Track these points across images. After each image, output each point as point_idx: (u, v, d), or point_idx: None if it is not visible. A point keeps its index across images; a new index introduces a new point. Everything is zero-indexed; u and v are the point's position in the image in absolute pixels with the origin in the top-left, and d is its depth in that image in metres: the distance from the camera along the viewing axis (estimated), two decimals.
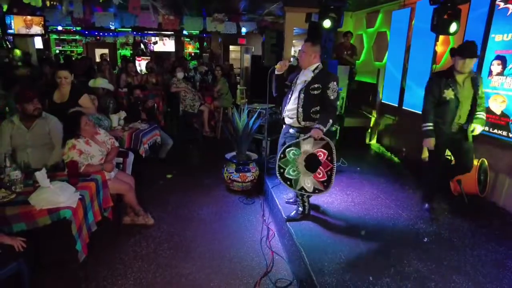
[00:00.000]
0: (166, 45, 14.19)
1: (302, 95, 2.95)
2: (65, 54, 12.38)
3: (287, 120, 3.12)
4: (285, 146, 2.92)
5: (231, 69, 9.13)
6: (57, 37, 13.79)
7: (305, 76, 2.98)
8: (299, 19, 6.38)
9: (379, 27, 6.36)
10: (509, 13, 3.19)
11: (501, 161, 3.60)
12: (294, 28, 7.29)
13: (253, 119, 4.50)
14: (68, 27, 12.07)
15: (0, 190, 2.44)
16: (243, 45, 12.41)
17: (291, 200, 3.50)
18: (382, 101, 5.68)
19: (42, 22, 7.73)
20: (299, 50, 2.98)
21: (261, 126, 4.98)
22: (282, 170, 2.89)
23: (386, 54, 5.72)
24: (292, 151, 2.88)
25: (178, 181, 4.70)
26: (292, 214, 3.18)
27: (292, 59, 2.97)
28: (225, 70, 7.95)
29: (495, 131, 3.36)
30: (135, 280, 2.68)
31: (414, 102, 4.69)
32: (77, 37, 13.95)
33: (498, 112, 3.32)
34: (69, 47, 14.07)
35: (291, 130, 3.09)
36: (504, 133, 3.26)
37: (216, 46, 12.79)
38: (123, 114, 4.62)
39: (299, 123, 3.00)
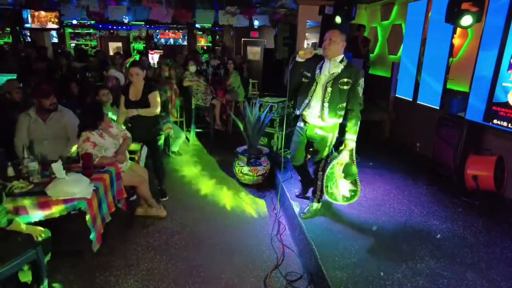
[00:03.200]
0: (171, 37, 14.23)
1: (329, 89, 2.72)
2: (78, 48, 12.56)
3: (309, 119, 2.90)
4: (329, 166, 2.88)
5: (243, 63, 9.09)
6: (72, 31, 13.99)
7: (334, 68, 2.72)
8: (312, 11, 6.31)
9: (394, 20, 6.23)
10: None
11: None
12: (307, 20, 7.21)
13: (264, 112, 4.49)
14: (83, 21, 12.21)
15: (19, 181, 2.50)
16: (255, 38, 12.34)
17: (300, 196, 3.51)
18: (397, 95, 5.59)
19: (58, 16, 7.86)
20: (326, 37, 2.73)
21: (272, 119, 4.98)
22: (327, 188, 2.94)
23: (401, 47, 5.61)
24: (330, 167, 2.88)
25: (190, 174, 4.74)
26: (306, 210, 3.15)
27: (318, 48, 2.74)
28: (237, 63, 7.93)
29: None
30: (147, 271, 2.73)
31: (429, 96, 4.60)
32: (91, 30, 14.12)
33: None
34: (83, 40, 14.26)
35: (317, 131, 2.89)
36: None
37: (229, 39, 12.76)
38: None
39: (324, 120, 2.79)
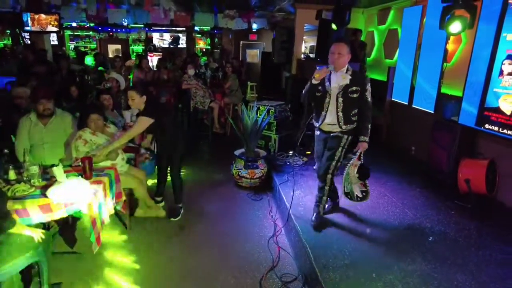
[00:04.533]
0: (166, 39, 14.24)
1: (340, 99, 2.87)
2: (78, 50, 12.62)
3: (326, 127, 3.03)
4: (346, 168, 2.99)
5: (241, 66, 9.17)
6: (71, 33, 14.04)
7: (342, 79, 2.85)
8: (310, 15, 6.39)
9: (391, 24, 6.32)
10: None
11: (510, 161, 3.58)
12: (305, 24, 7.30)
13: (262, 116, 4.56)
14: (82, 23, 12.29)
15: (20, 184, 2.56)
16: (253, 41, 12.42)
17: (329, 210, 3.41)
18: (392, 99, 5.66)
19: (58, 19, 7.93)
20: (334, 51, 2.83)
21: (270, 122, 5.05)
22: (344, 188, 3.07)
23: (397, 52, 5.69)
24: (347, 168, 3.00)
25: (188, 177, 4.80)
26: (313, 218, 3.12)
27: (330, 66, 2.82)
28: (235, 67, 8.01)
29: (505, 131, 3.34)
30: (146, 272, 2.78)
31: (424, 100, 4.68)
32: (90, 33, 14.16)
33: (508, 112, 3.30)
34: (83, 42, 14.30)
35: (333, 134, 3.00)
36: None
37: (227, 42, 12.83)
38: (135, 110, 4.73)
39: (341, 127, 2.94)
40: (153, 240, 3.23)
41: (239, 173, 4.34)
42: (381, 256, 2.70)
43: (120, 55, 10.70)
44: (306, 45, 10.14)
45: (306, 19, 6.97)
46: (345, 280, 2.39)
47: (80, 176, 2.78)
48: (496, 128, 3.45)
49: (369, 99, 2.91)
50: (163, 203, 3.84)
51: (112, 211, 3.04)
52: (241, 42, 12.51)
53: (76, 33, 14.10)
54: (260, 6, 8.01)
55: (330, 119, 2.95)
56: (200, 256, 3.02)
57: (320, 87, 2.92)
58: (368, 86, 2.90)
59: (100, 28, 13.48)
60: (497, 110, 3.43)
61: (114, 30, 13.66)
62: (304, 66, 6.93)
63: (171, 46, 13.85)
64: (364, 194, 3.11)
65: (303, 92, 3.03)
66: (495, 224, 3.22)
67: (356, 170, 2.96)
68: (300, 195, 3.73)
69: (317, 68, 4.65)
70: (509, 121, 3.29)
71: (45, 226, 2.57)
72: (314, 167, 4.39)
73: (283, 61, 7.58)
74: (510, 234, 3.04)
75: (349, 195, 3.11)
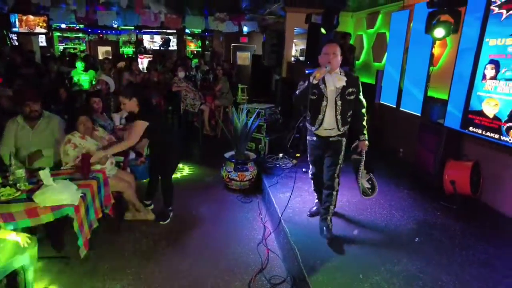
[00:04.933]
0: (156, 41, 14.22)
1: (339, 102, 2.82)
2: (69, 52, 12.49)
3: (324, 133, 2.94)
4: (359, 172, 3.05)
5: (232, 68, 9.20)
6: (60, 34, 13.90)
7: (338, 81, 2.78)
8: (300, 19, 6.45)
9: (379, 28, 6.41)
10: (503, 18, 3.24)
11: (493, 163, 3.66)
12: (295, 28, 7.36)
13: (252, 119, 4.58)
14: (72, 25, 12.17)
15: (6, 188, 2.53)
16: (244, 43, 12.47)
17: (315, 215, 3.35)
18: (381, 101, 5.74)
19: (46, 21, 7.85)
20: (328, 52, 2.75)
21: (260, 125, 5.07)
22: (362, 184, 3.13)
23: (385, 55, 5.78)
24: (361, 167, 3.05)
25: (177, 179, 4.79)
26: (325, 233, 2.94)
27: (327, 66, 2.70)
28: (226, 69, 8.03)
29: (488, 133, 3.42)
30: (134, 275, 2.78)
31: (411, 103, 4.76)
32: (80, 34, 14.04)
33: (491, 116, 3.38)
34: (72, 44, 14.17)
35: (331, 139, 2.94)
36: (496, 135, 3.33)
37: (218, 45, 12.86)
38: (124, 113, 4.71)
39: (339, 130, 2.90)
40: (141, 243, 3.22)
41: (229, 176, 4.35)
42: (368, 257, 2.74)
43: (110, 57, 10.64)
44: (297, 48, 10.21)
45: (296, 22, 7.02)
46: (332, 282, 2.42)
47: (68, 180, 2.76)
48: (479, 131, 3.53)
49: (363, 100, 2.95)
50: (152, 206, 3.83)
51: (100, 215, 3.02)
52: (232, 44, 12.56)
53: (65, 35, 13.97)
54: (251, 9, 8.05)
55: (328, 123, 2.87)
56: (189, 259, 3.02)
57: (314, 90, 2.81)
58: (361, 87, 2.93)
59: (89, 30, 13.37)
60: (481, 113, 3.51)
61: (104, 32, 13.57)
62: (294, 69, 6.99)
63: (162, 48, 13.82)
64: (372, 185, 3.17)
65: (297, 93, 2.89)
66: (479, 224, 3.29)
67: (363, 166, 3.05)
68: (289, 197, 3.75)
69: (306, 71, 4.69)
70: (492, 124, 3.37)
71: (31, 230, 2.54)
72: (304, 170, 4.45)
73: (273, 64, 7.62)
74: (493, 234, 3.12)
75: (364, 192, 3.16)
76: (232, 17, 8.52)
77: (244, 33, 10.42)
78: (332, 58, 2.73)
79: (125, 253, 3.06)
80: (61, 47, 13.71)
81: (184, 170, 5.13)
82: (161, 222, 3.58)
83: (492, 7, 3.35)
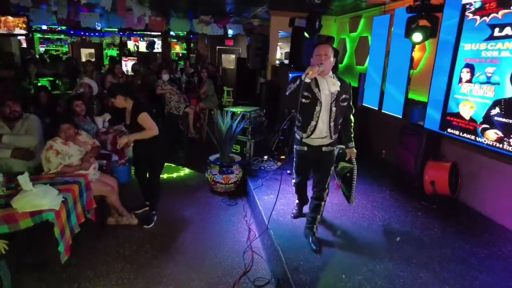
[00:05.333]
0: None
1: (334, 108, 2.65)
2: (51, 54, 12.26)
3: (316, 142, 2.77)
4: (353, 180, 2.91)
5: (217, 71, 9.21)
6: (41, 36, 13.62)
7: (332, 85, 2.62)
8: (284, 22, 6.51)
9: (361, 32, 6.52)
10: (477, 24, 3.36)
11: (470, 163, 3.78)
12: (280, 31, 7.42)
13: (236, 121, 4.60)
14: (53, 26, 11.95)
15: None
16: (229, 46, 12.50)
17: (297, 217, 3.38)
18: (363, 104, 5.85)
19: (26, 22, 7.68)
20: (320, 53, 2.60)
21: (245, 128, 5.09)
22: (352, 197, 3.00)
23: (368, 59, 5.89)
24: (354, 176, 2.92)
25: (162, 183, 4.75)
26: (315, 242, 2.87)
27: (320, 66, 2.53)
28: (211, 72, 8.02)
29: (465, 135, 3.53)
30: (117, 280, 2.74)
31: (393, 106, 4.86)
32: (62, 36, 13.80)
33: (467, 118, 3.50)
34: (54, 46, 13.92)
35: (324, 149, 2.79)
36: (472, 137, 3.44)
37: (203, 47, 12.84)
38: (107, 116, 4.67)
39: (331, 138, 2.76)
40: (125, 248, 3.19)
41: (214, 179, 4.35)
42: (351, 257, 2.79)
43: (93, 59, 10.50)
44: (281, 51, 10.30)
45: (281, 26, 7.08)
46: (315, 282, 2.45)
47: (49, 184, 2.71)
48: (457, 132, 3.64)
49: (352, 107, 2.87)
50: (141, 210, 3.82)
51: (83, 219, 2.98)
52: (217, 47, 12.56)
53: (46, 36, 13.71)
54: (235, 13, 8.07)
55: (321, 131, 2.70)
56: (173, 263, 3.00)
57: (307, 93, 2.63)
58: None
59: (72, 32, 13.16)
60: (458, 115, 3.63)
61: (87, 34, 13.39)
62: (279, 72, 7.04)
63: (147, 50, 13.73)
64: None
65: (287, 94, 2.66)
66: (456, 223, 3.39)
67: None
68: (273, 199, 3.75)
69: (290, 75, 4.75)
70: (468, 125, 3.49)
71: (9, 236, 2.48)
72: (288, 172, 4.49)
73: (257, 67, 7.67)
74: (470, 233, 3.22)
75: (351, 200, 3.03)
76: (217, 20, 8.52)
77: (229, 36, 10.45)
78: (324, 59, 2.57)
79: (108, 258, 3.02)
80: (42, 49, 13.45)
81: (169, 173, 5.10)
82: (145, 226, 3.55)
83: (466, 13, 3.47)
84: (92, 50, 13.12)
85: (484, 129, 3.31)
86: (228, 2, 6.72)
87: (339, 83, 2.65)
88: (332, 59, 2.62)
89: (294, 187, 3.32)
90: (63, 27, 11.96)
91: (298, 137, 2.85)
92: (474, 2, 3.39)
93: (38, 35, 13.40)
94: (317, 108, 2.66)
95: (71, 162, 3.17)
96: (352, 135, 2.91)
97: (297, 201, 3.46)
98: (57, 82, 6.81)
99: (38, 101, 4.72)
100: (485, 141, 3.31)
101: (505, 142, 3.10)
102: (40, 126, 3.46)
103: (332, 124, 2.69)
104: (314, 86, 2.64)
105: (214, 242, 3.35)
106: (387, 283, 2.47)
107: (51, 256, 2.56)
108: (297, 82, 2.57)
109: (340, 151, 3.00)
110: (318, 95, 2.64)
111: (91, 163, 3.30)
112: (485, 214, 3.58)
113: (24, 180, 2.52)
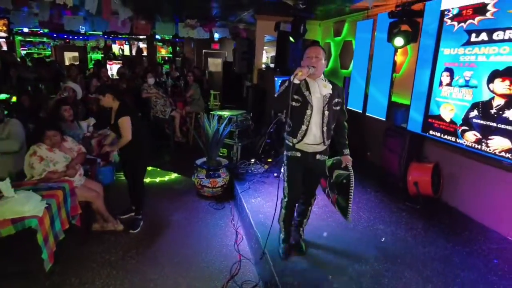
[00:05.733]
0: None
1: (326, 113, 2.52)
2: (33, 57, 12.00)
3: (311, 148, 2.60)
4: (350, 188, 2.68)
5: (203, 75, 9.20)
6: (23, 38, 13.34)
7: (324, 88, 2.52)
8: (270, 27, 6.56)
9: (346, 36, 6.63)
10: (455, 29, 3.48)
11: (452, 164, 3.89)
12: (265, 35, 7.47)
13: (223, 125, 4.61)
14: (36, 29, 11.72)
15: None
16: (216, 50, 12.52)
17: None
18: (348, 107, 5.94)
19: (6, 24, 7.51)
20: (311, 55, 2.49)
21: (232, 131, 5.10)
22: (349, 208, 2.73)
23: (352, 62, 5.99)
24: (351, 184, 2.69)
25: (147, 187, 4.71)
26: (303, 247, 2.86)
27: (310, 67, 2.43)
28: (197, 75, 8.01)
29: (446, 136, 3.64)
30: (103, 287, 2.70)
31: (377, 109, 4.96)
32: (44, 39, 13.54)
33: (448, 120, 3.61)
34: (36, 49, 13.64)
35: (318, 156, 2.64)
36: (453, 138, 3.54)
37: (189, 51, 12.82)
38: (92, 120, 4.61)
39: (325, 144, 2.62)
40: (110, 254, 3.14)
41: (201, 183, 4.34)
42: (337, 258, 2.83)
43: (77, 63, 10.34)
44: (268, 55, 10.36)
45: (266, 30, 7.13)
46: (303, 284, 2.48)
47: (31, 190, 2.66)
48: (438, 134, 3.74)
49: (345, 111, 2.74)
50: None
51: (67, 226, 2.93)
52: (203, 51, 12.56)
53: (28, 39, 13.42)
54: (221, 17, 8.09)
55: (314, 136, 2.56)
56: (160, 268, 2.98)
57: (298, 96, 2.52)
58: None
59: (55, 35, 12.93)
60: (439, 117, 3.73)
61: (70, 37, 13.17)
62: (265, 76, 7.09)
63: (133, 54, 13.64)
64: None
65: (276, 96, 2.54)
66: (439, 223, 3.48)
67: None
68: (261, 202, 3.80)
69: (276, 79, 4.79)
70: (449, 127, 3.59)
71: None
72: (275, 175, 4.52)
73: (244, 71, 7.70)
74: (452, 232, 3.31)
75: (347, 215, 2.78)
76: (203, 24, 8.52)
77: (216, 39, 10.46)
78: (315, 62, 2.47)
79: (93, 265, 2.97)
80: (23, 52, 13.16)
81: (155, 178, 5.06)
82: (131, 231, 3.52)
83: (445, 19, 3.59)
84: (76, 54, 12.92)
85: (464, 131, 3.41)
86: (214, 6, 6.73)
87: (331, 86, 2.55)
88: (323, 61, 2.52)
89: (282, 211, 2.82)
90: (46, 30, 11.74)
91: (290, 143, 2.65)
92: (452, 8, 3.51)
93: (20, 37, 13.11)
94: (308, 112, 2.52)
95: (56, 169, 3.12)
96: (347, 142, 2.77)
97: (283, 230, 2.88)
98: (40, 86, 6.67)
99: (20, 105, 4.63)
100: (464, 142, 3.41)
101: (483, 144, 3.21)
102: (23, 131, 3.40)
103: (325, 129, 2.55)
104: (304, 89, 2.53)
105: (201, 246, 3.34)
106: (373, 283, 2.52)
107: (34, 264, 2.50)
108: (286, 84, 2.45)
109: (334, 161, 2.85)
110: (309, 99, 2.51)
111: (76, 170, 3.26)
112: (466, 213, 3.69)
113: (5, 186, 2.47)
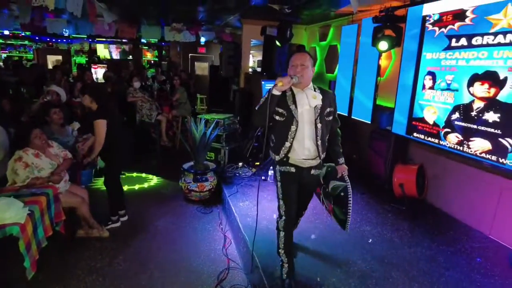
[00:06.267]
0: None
1: (319, 125, 2.32)
2: (13, 60, 11.72)
3: (306, 163, 2.39)
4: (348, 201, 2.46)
5: (190, 78, 9.17)
6: (3, 41, 13.02)
7: (313, 99, 2.29)
8: (256, 31, 6.60)
9: (331, 41, 6.73)
10: (436, 34, 3.58)
11: (436, 165, 3.98)
12: (252, 39, 7.51)
13: (210, 128, 4.60)
14: (17, 32, 11.45)
15: None
16: (202, 54, 12.50)
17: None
18: None
19: None
20: (296, 63, 2.29)
21: (219, 135, 5.09)
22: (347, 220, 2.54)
23: (337, 67, 6.08)
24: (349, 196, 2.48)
25: (134, 192, 4.65)
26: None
27: (294, 76, 2.22)
28: (184, 79, 7.98)
29: (429, 139, 3.72)
30: None
31: (362, 112, 5.03)
32: (26, 42, 13.24)
33: (431, 122, 3.69)
34: (17, 52, 13.33)
35: (313, 171, 2.45)
36: (436, 140, 3.63)
37: (175, 54, 12.76)
38: (76, 125, 4.53)
39: (320, 158, 2.42)
40: (96, 261, 3.08)
41: (188, 187, 4.31)
42: (325, 259, 2.85)
43: (60, 65, 10.14)
44: (254, 59, 10.42)
45: (253, 34, 7.17)
46: (291, 287, 2.48)
47: (13, 197, 2.59)
48: (422, 136, 3.83)
49: (338, 119, 2.57)
50: (126, 217, 3.82)
51: (51, 232, 2.87)
52: (189, 54, 12.52)
53: (9, 42, 13.11)
54: (208, 21, 8.09)
55: (308, 151, 2.35)
56: (148, 275, 2.94)
57: (282, 110, 2.31)
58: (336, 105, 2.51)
59: (37, 38, 12.66)
60: (422, 120, 3.82)
61: (53, 40, 12.92)
62: (252, 79, 7.11)
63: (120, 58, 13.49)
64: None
65: (256, 108, 2.29)
66: (424, 223, 3.55)
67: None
68: (249, 205, 3.80)
69: (262, 82, 4.80)
70: (432, 129, 3.68)
71: None
72: (263, 178, 4.53)
73: (230, 75, 7.72)
74: (437, 232, 3.38)
75: (345, 226, 2.63)
76: (189, 28, 8.50)
77: (202, 43, 10.44)
78: (300, 70, 2.25)
79: (78, 272, 2.91)
80: (3, 55, 12.85)
81: (141, 183, 4.99)
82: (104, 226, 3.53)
83: (426, 24, 3.69)
84: (60, 57, 12.69)
85: (446, 133, 3.50)
86: (200, 10, 6.73)
87: (320, 96, 2.32)
88: (311, 68, 2.31)
89: (281, 234, 2.48)
90: (27, 33, 11.49)
91: (277, 158, 2.41)
92: (433, 14, 3.61)
93: (0, 40, 12.80)
94: (293, 127, 2.29)
95: (41, 175, 3.05)
96: (341, 150, 2.59)
97: (285, 263, 2.48)
98: (22, 89, 6.51)
99: (1, 109, 4.50)
100: (447, 144, 3.50)
101: (464, 145, 3.30)
102: (6, 137, 3.30)
103: (319, 142, 2.35)
104: (290, 101, 2.29)
105: (189, 251, 3.31)
106: (361, 284, 2.54)
107: (16, 272, 2.43)
108: (265, 97, 2.24)
109: (329, 169, 2.69)
110: (294, 113, 2.28)
111: (61, 177, 3.19)
112: (450, 214, 3.77)
113: None
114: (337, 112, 2.53)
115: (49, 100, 4.76)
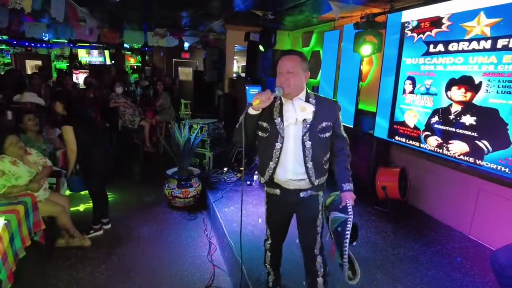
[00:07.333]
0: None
1: (308, 144, 1.91)
2: None
3: (292, 185, 2.00)
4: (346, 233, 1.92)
5: (173, 84, 9.10)
6: None
7: (302, 112, 1.90)
8: (240, 37, 6.64)
9: (314, 47, 6.82)
10: (415, 40, 3.68)
11: (417, 168, 4.07)
12: (236, 45, 7.54)
13: (194, 134, 4.57)
14: None
15: None
16: (186, 59, 12.44)
17: None
18: None
19: None
20: (282, 71, 1.90)
21: (203, 140, 5.07)
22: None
23: (320, 72, 6.16)
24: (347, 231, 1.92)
25: (116, 200, 4.56)
26: None
27: (277, 89, 1.87)
28: (167, 84, 7.92)
29: (410, 142, 3.80)
30: None
31: (344, 116, 5.09)
32: (3, 46, 12.87)
33: (412, 125, 3.78)
34: None
35: (302, 194, 2.03)
36: (417, 143, 3.72)
37: (159, 60, 12.66)
38: (57, 131, 4.42)
39: (312, 183, 1.98)
40: (77, 270, 3.00)
41: (172, 193, 4.26)
42: None
43: (39, 71, 9.90)
44: (238, 64, 10.45)
45: (236, 40, 7.20)
46: None
47: None
48: (403, 140, 3.91)
49: (344, 132, 2.07)
50: (109, 225, 3.78)
51: (29, 243, 2.77)
52: (173, 60, 12.44)
53: None
54: (191, 26, 8.08)
55: (293, 174, 1.96)
56: (131, 284, 2.87)
57: (265, 124, 1.97)
58: (340, 115, 2.02)
59: (15, 42, 12.32)
60: (403, 123, 3.90)
61: (32, 44, 12.60)
62: (236, 85, 7.13)
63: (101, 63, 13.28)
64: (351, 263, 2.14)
65: (236, 127, 1.95)
66: (407, 225, 3.62)
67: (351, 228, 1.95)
68: (234, 211, 3.78)
69: (247, 87, 4.79)
70: (413, 133, 3.77)
71: None
72: (248, 183, 4.52)
73: (215, 80, 7.72)
74: (419, 233, 3.45)
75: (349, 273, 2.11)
76: (172, 33, 8.47)
77: (185, 49, 10.40)
78: (285, 80, 1.87)
79: (58, 283, 2.82)
80: None
81: (123, 190, 4.90)
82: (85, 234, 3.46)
83: (406, 31, 3.79)
84: (39, 62, 12.36)
85: (427, 136, 3.59)
86: (183, 16, 6.72)
87: (312, 108, 1.91)
88: (302, 74, 1.90)
89: (267, 254, 2.34)
90: (4, 37, 11.18)
91: (262, 180, 2.11)
92: (411, 21, 3.71)
93: None
94: (277, 145, 1.94)
95: (18, 183, 2.95)
96: (350, 173, 2.04)
97: (271, 273, 2.41)
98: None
99: None
100: (428, 147, 3.59)
101: (444, 148, 3.39)
102: None
103: (309, 164, 1.93)
104: (276, 114, 1.95)
105: (174, 259, 3.26)
106: (346, 286, 2.55)
107: None
108: (243, 115, 1.87)
109: (336, 198, 2.14)
110: (279, 127, 1.94)
111: (41, 185, 3.10)
112: (431, 215, 3.86)
113: None
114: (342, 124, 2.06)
115: (21, 107, 4.62)
